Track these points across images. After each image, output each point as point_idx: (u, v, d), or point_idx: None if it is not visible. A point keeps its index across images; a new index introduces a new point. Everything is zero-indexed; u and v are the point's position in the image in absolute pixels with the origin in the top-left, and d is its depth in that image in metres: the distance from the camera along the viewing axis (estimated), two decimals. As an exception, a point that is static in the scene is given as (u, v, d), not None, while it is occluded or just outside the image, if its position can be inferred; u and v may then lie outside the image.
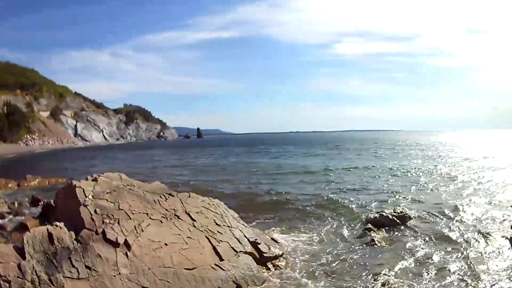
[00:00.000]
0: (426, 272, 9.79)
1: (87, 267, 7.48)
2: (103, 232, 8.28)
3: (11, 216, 15.71)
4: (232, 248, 9.80)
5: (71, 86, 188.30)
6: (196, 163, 47.07)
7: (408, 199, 19.23)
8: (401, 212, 14.86)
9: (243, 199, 20.01)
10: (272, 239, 11.86)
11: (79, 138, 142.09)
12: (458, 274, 9.65)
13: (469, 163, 37.35)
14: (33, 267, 7.13)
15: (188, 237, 9.35)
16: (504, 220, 14.35)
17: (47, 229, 7.97)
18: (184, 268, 8.40)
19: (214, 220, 10.62)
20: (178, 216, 9.95)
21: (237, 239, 10.28)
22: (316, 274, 9.97)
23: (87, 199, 9.27)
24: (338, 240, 12.99)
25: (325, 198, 19.98)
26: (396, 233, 13.39)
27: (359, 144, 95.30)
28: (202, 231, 9.82)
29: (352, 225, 14.69)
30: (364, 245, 12.25)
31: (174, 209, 10.17)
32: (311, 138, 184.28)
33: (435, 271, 9.84)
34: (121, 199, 9.63)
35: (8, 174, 30.81)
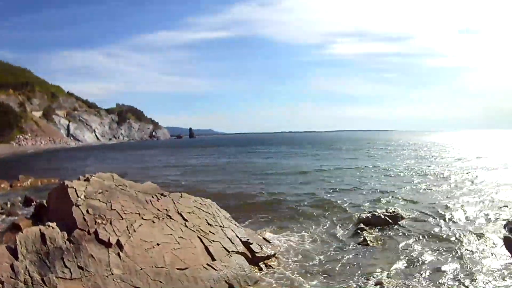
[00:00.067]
0: (419, 272, 9.87)
1: (80, 267, 7.49)
2: (96, 232, 8.29)
3: (3, 217, 15.70)
4: (224, 248, 9.83)
5: (64, 86, 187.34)
6: (188, 163, 47.00)
7: (400, 199, 19.32)
8: (393, 211, 14.96)
9: (235, 199, 20.00)
10: (264, 239, 11.90)
11: (72, 138, 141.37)
12: (451, 273, 9.74)
13: (461, 163, 37.57)
14: (26, 268, 7.14)
15: (180, 237, 9.37)
16: (496, 219, 14.44)
17: (40, 230, 7.98)
18: (177, 268, 8.42)
19: (206, 220, 10.65)
20: (170, 216, 9.97)
21: (229, 239, 10.31)
22: (308, 274, 10.02)
23: (79, 199, 9.27)
24: (330, 240, 13.05)
25: (318, 198, 20.06)
26: (388, 232, 13.47)
27: (352, 144, 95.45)
28: (194, 231, 9.85)
29: (345, 225, 14.74)
30: (357, 244, 12.32)
31: (166, 209, 10.19)
32: (305, 138, 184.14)
33: (428, 271, 9.92)
34: (113, 199, 9.64)
35: (0, 174, 30.65)
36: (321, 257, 11.28)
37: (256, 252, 10.50)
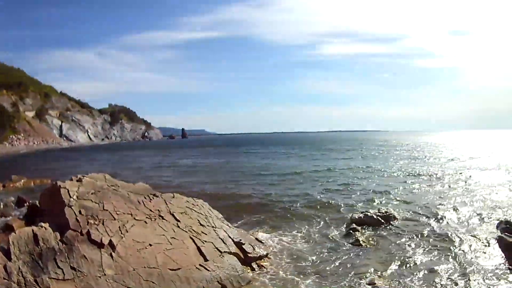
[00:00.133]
0: (412, 272, 9.94)
1: (72, 268, 7.50)
2: (88, 233, 8.30)
3: (-4, 217, 15.65)
4: (217, 248, 9.86)
5: (57, 86, 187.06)
6: (180, 164, 46.95)
7: (393, 199, 19.39)
8: (386, 212, 15.04)
9: (227, 200, 20.02)
10: (257, 239, 11.91)
11: (64, 138, 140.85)
12: (444, 273, 9.81)
13: (455, 164, 37.70)
14: (19, 268, 7.15)
15: (173, 237, 9.40)
16: (489, 219, 14.53)
17: (33, 230, 7.98)
18: (169, 269, 8.44)
19: (198, 220, 10.69)
20: (162, 217, 10.00)
21: (221, 239, 10.34)
22: (301, 274, 10.05)
23: (72, 199, 9.27)
24: (323, 240, 13.09)
25: (310, 198, 20.08)
26: (381, 232, 13.54)
27: (345, 144, 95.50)
28: (187, 232, 9.88)
29: (337, 225, 14.78)
30: (349, 245, 12.37)
31: (158, 210, 10.22)
32: (297, 138, 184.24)
33: (421, 271, 9.99)
34: (105, 200, 9.65)
35: (-7, 175, 30.55)
36: (314, 257, 11.32)
37: (249, 253, 10.53)
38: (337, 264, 10.74)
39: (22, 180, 27.77)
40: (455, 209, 16.42)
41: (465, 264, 10.30)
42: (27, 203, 17.58)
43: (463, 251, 11.31)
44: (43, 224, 8.35)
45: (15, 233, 7.89)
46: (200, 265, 9.00)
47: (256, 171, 35.37)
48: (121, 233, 8.68)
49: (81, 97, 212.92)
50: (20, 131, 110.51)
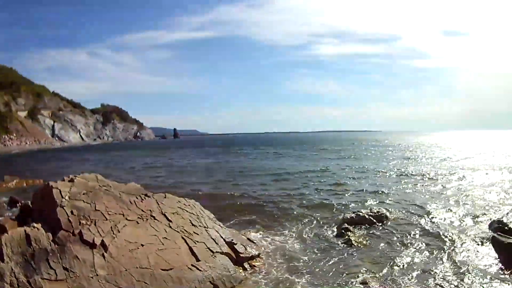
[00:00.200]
0: (404, 271, 9.99)
1: (65, 268, 7.52)
2: (80, 233, 8.33)
3: (-12, 218, 15.60)
4: (209, 248, 9.89)
5: (49, 86, 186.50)
6: (172, 164, 46.86)
7: (385, 199, 19.44)
8: (378, 212, 15.11)
9: (219, 200, 19.99)
10: (249, 239, 11.94)
11: (57, 138, 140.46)
12: (437, 273, 9.86)
13: (448, 164, 37.81)
14: (12, 269, 7.17)
15: (164, 237, 9.43)
16: (482, 219, 14.59)
17: (25, 231, 8.00)
18: (161, 269, 8.46)
19: (190, 220, 10.71)
20: (154, 217, 10.02)
21: (213, 239, 10.37)
22: (293, 274, 10.07)
23: (64, 200, 9.29)
24: (315, 240, 13.14)
25: (302, 198, 20.12)
26: (373, 232, 13.60)
27: (337, 144, 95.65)
28: (178, 232, 9.90)
29: (329, 225, 14.82)
30: (341, 244, 12.41)
31: (150, 210, 10.24)
32: (289, 138, 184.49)
33: (413, 270, 10.04)
34: (97, 200, 9.67)
35: (-15, 175, 30.44)
36: (306, 257, 11.35)
37: (241, 253, 10.56)
38: (329, 264, 10.77)
39: (15, 181, 27.64)
40: (447, 208, 16.50)
41: (458, 264, 10.36)
42: (20, 204, 17.53)
43: (455, 250, 11.37)
44: (35, 224, 8.38)
45: (8, 233, 7.91)
46: (192, 265, 9.02)
47: (248, 171, 35.38)
48: (113, 234, 8.70)
49: (73, 97, 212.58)
50: (12, 131, 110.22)
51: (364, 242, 12.58)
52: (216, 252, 9.94)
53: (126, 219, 9.42)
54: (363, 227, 14.04)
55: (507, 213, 15.27)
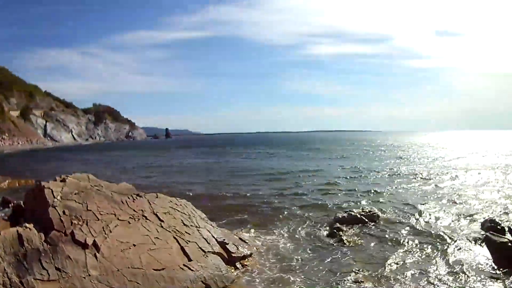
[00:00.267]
0: (396, 270, 10.05)
1: (57, 268, 7.52)
2: (72, 233, 8.32)
3: (-19, 218, 15.56)
4: (200, 248, 9.90)
5: (41, 85, 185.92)
6: (164, 164, 46.77)
7: (378, 198, 19.59)
8: (370, 211, 15.19)
9: (211, 200, 19.98)
10: (240, 239, 11.96)
11: (49, 138, 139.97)
12: (429, 272, 9.91)
13: (441, 164, 38.07)
14: (5, 270, 7.16)
15: (156, 237, 9.43)
16: (475, 218, 14.72)
17: (17, 231, 8.00)
18: (153, 269, 8.47)
19: (181, 220, 10.71)
20: (146, 217, 10.02)
21: (205, 239, 10.38)
22: (285, 273, 10.10)
23: (56, 200, 9.27)
24: (307, 239, 13.18)
25: (295, 198, 20.22)
26: (365, 231, 13.67)
27: (331, 144, 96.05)
28: (170, 232, 9.91)
29: (322, 224, 14.87)
30: (333, 244, 12.47)
31: (142, 210, 10.23)
32: (282, 138, 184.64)
33: (404, 269, 10.12)
34: (89, 200, 9.66)
35: (-22, 175, 30.33)
36: (298, 256, 11.37)
37: (233, 252, 10.58)
38: (321, 263, 10.82)
39: (7, 181, 27.56)
40: (440, 208, 16.62)
41: (450, 263, 10.45)
42: (12, 204, 17.49)
43: (448, 249, 11.43)
44: (27, 224, 8.37)
45: (0, 234, 7.90)
46: (184, 265, 9.02)
47: (240, 171, 35.46)
48: (105, 234, 8.71)
49: (66, 96, 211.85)
50: (4, 131, 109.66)
51: (356, 241, 12.65)
52: (208, 251, 9.95)
53: (118, 219, 9.42)
54: (355, 226, 14.07)
55: (500, 213, 15.41)
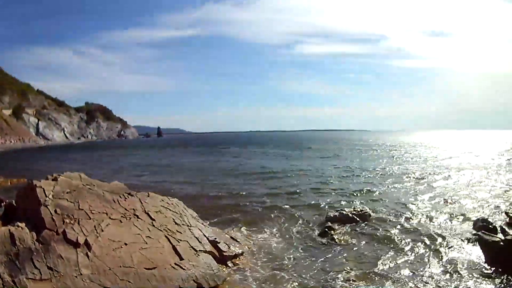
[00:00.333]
0: (387, 269, 10.12)
1: (49, 268, 7.52)
2: (64, 232, 8.31)
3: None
4: (192, 247, 9.92)
5: (34, 84, 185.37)
6: (155, 163, 46.66)
7: (370, 197, 19.70)
8: (361, 210, 15.27)
9: (202, 198, 20.03)
10: (232, 238, 12.01)
11: (41, 137, 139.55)
12: (420, 271, 9.98)
13: (433, 163, 38.16)
14: (-3, 269, 7.18)
15: (148, 236, 9.44)
16: (467, 218, 14.81)
17: (9, 230, 8.00)
18: (145, 268, 8.48)
19: (173, 219, 10.72)
20: (137, 216, 10.01)
21: (196, 238, 10.41)
22: (276, 272, 10.15)
23: (48, 199, 9.24)
24: (298, 238, 13.24)
25: (286, 197, 20.26)
26: (356, 230, 13.74)
27: (322, 144, 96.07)
28: (162, 231, 9.92)
29: (313, 223, 14.95)
30: (325, 242, 12.54)
31: (133, 209, 10.23)
32: (274, 137, 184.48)
33: (396, 268, 10.20)
34: (81, 199, 9.64)
35: (-31, 174, 30.23)
36: (290, 255, 11.43)
37: (224, 251, 10.63)
38: (313, 261, 10.89)
39: (-1, 179, 27.54)
40: (432, 207, 16.75)
41: (442, 261, 10.53)
42: (4, 203, 17.45)
43: (440, 248, 11.51)
44: (19, 223, 8.36)
45: (-9, 233, 7.91)
46: (175, 264, 9.04)
47: (232, 170, 35.47)
48: (97, 233, 8.72)
49: (58, 95, 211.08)
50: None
51: (348, 240, 12.71)
52: (200, 250, 9.97)
53: (110, 218, 9.42)
54: (347, 225, 14.15)
55: (492, 212, 15.52)
